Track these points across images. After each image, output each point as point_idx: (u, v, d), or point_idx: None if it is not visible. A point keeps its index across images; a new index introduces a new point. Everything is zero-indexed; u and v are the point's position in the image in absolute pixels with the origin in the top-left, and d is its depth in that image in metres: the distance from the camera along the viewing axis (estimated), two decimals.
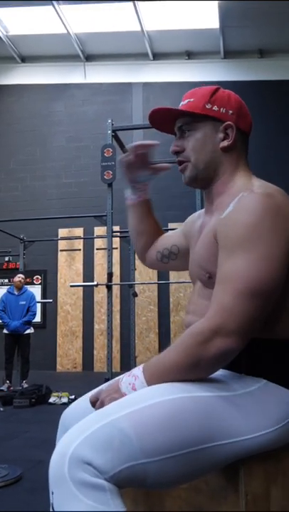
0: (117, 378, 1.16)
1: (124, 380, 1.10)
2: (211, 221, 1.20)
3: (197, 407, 1.00)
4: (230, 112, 1.20)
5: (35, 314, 6.96)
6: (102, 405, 1.06)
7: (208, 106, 1.19)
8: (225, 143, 1.20)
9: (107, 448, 0.91)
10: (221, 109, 1.19)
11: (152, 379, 1.05)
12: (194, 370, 1.02)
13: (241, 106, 1.23)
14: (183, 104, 1.23)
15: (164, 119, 1.27)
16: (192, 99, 1.21)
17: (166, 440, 0.95)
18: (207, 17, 8.99)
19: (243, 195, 1.10)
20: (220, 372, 1.10)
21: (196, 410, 0.99)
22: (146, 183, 1.47)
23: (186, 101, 1.22)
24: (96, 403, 1.10)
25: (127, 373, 1.14)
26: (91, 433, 0.93)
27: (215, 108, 1.19)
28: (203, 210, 1.35)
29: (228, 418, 1.01)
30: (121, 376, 1.15)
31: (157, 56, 10.43)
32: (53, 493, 0.92)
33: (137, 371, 1.09)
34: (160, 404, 0.98)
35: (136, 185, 1.46)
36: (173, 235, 1.52)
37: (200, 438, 0.98)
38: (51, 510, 0.92)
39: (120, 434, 0.92)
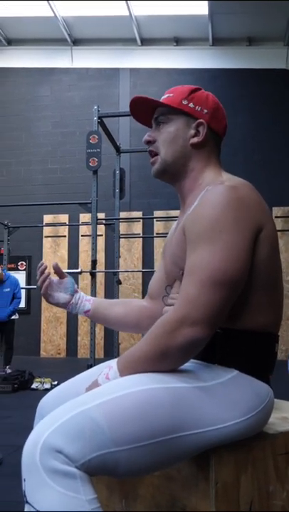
0: (99, 369, 1.19)
1: (103, 371, 1.12)
2: (182, 219, 1.22)
3: (168, 397, 1.01)
4: (205, 111, 1.23)
5: (20, 300, 6.91)
6: None
7: (185, 102, 1.23)
8: (195, 139, 1.23)
9: (78, 437, 0.92)
10: (197, 107, 1.23)
11: (124, 369, 1.07)
12: (163, 360, 1.04)
13: (218, 108, 1.26)
14: (163, 98, 1.26)
15: (143, 110, 1.29)
16: (172, 94, 1.25)
17: (137, 430, 0.96)
18: (196, 3, 8.91)
19: (208, 189, 1.13)
20: (192, 363, 1.12)
21: (167, 400, 1.01)
22: (75, 289, 1.45)
23: (167, 95, 1.27)
24: None
25: (105, 363, 1.17)
26: (63, 422, 0.94)
27: (191, 105, 1.23)
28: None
29: (199, 408, 1.03)
30: (101, 366, 1.18)
31: (145, 42, 10.33)
32: (25, 480, 0.93)
33: (113, 362, 1.12)
34: (132, 395, 0.99)
35: (72, 301, 1.44)
36: (161, 271, 1.42)
37: (171, 428, 0.99)
38: (23, 496, 0.94)
39: (92, 424, 0.94)
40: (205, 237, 1.06)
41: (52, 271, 1.45)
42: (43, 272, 1.42)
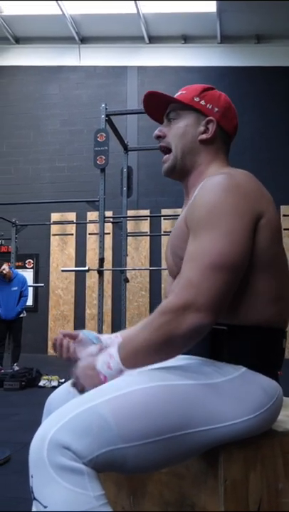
0: (90, 352, 1.20)
1: (100, 358, 1.09)
2: (184, 211, 1.23)
3: (176, 394, 1.01)
4: (216, 109, 1.25)
5: (27, 298, 6.92)
6: (78, 380, 1.07)
7: (197, 99, 1.26)
8: (203, 136, 1.25)
9: (86, 433, 0.92)
10: (208, 104, 1.25)
11: (127, 359, 1.05)
12: (168, 347, 1.03)
13: (229, 108, 1.28)
14: (177, 95, 1.29)
15: (156, 106, 1.32)
16: (185, 92, 1.28)
17: (145, 426, 0.96)
18: (204, 0, 8.88)
19: (207, 178, 1.15)
20: (200, 361, 1.12)
21: (175, 398, 1.00)
22: (96, 336, 1.35)
23: (180, 92, 1.29)
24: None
25: (103, 350, 1.15)
26: (70, 418, 0.94)
27: (202, 102, 1.25)
28: None
29: (207, 405, 1.02)
30: (95, 350, 1.18)
31: (153, 39, 10.32)
32: (32, 476, 0.93)
33: (112, 350, 1.08)
34: (140, 391, 0.99)
35: (104, 346, 1.28)
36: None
37: (178, 424, 0.99)
38: (31, 493, 0.94)
39: (99, 420, 0.93)
40: (204, 223, 1.07)
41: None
42: (61, 345, 1.34)
